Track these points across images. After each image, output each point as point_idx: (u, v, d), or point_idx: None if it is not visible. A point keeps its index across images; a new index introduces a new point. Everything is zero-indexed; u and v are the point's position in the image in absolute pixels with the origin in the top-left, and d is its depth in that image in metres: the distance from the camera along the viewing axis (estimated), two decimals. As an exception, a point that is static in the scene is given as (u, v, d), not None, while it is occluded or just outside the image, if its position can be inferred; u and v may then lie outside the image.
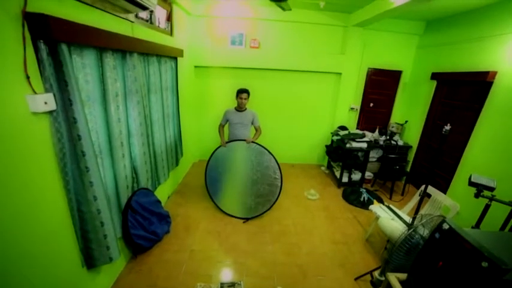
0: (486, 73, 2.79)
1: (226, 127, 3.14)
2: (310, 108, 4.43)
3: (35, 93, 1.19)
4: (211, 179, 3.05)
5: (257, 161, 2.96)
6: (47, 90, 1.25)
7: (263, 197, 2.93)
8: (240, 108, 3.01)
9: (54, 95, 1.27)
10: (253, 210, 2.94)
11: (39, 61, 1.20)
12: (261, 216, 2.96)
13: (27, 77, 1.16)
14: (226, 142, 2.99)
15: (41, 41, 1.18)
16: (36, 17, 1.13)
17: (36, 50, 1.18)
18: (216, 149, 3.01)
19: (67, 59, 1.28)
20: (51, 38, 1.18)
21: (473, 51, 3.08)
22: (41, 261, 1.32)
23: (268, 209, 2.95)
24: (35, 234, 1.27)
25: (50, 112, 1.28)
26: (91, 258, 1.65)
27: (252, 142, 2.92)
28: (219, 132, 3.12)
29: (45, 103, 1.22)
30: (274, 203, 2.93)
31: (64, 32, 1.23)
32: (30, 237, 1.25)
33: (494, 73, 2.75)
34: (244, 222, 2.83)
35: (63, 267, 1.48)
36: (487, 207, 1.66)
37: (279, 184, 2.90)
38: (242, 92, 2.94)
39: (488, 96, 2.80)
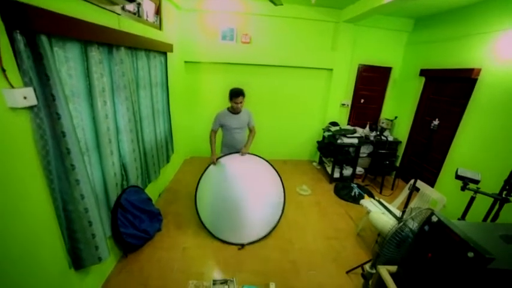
0: (471, 70, 2.87)
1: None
2: (301, 104, 4.44)
3: (13, 87, 1.13)
4: (202, 202, 2.63)
5: (257, 178, 2.66)
6: (26, 84, 1.18)
7: (262, 220, 2.59)
8: (234, 111, 2.65)
9: (35, 90, 1.21)
10: (251, 234, 2.51)
11: (16, 53, 1.13)
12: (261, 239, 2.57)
13: (3, 70, 1.09)
14: (219, 157, 2.70)
15: (17, 31, 1.11)
16: (9, 5, 1.05)
17: (12, 41, 1.11)
18: (206, 168, 2.67)
19: (48, 51, 1.21)
20: (28, 28, 1.12)
21: (460, 48, 3.16)
22: (24, 264, 1.26)
23: (267, 235, 2.57)
24: (17, 236, 1.22)
25: (31, 107, 1.22)
26: (79, 259, 1.60)
27: (248, 153, 2.69)
28: (210, 141, 2.71)
29: (25, 98, 1.15)
30: (274, 228, 2.62)
31: (43, 23, 1.17)
32: (11, 239, 1.19)
33: (479, 70, 2.83)
34: (239, 249, 2.40)
35: (49, 269, 1.43)
36: (472, 199, 1.72)
37: (281, 208, 2.64)
38: (237, 96, 2.48)
39: (473, 93, 2.88)
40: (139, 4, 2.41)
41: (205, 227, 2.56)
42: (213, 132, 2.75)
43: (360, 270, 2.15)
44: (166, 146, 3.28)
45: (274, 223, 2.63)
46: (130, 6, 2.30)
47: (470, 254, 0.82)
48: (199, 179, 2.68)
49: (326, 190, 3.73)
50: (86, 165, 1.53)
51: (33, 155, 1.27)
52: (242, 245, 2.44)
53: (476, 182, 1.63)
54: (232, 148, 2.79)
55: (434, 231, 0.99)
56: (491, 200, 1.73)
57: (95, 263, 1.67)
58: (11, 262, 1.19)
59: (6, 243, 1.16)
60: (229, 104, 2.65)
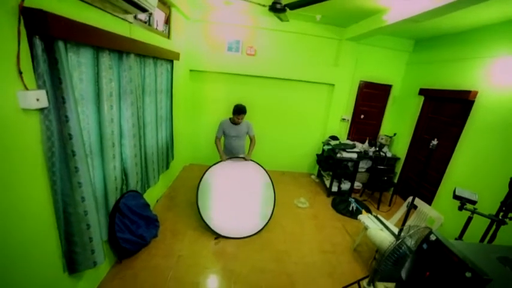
0: (468, 92, 2.96)
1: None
2: (302, 117, 4.51)
3: (27, 89, 1.16)
4: (203, 189, 2.85)
5: (252, 185, 2.97)
6: (39, 87, 1.21)
7: (248, 224, 2.82)
8: (234, 122, 2.93)
9: (47, 92, 1.24)
10: (235, 231, 2.73)
11: (34, 57, 1.17)
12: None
13: (20, 73, 1.12)
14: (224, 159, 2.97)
15: (37, 37, 1.16)
16: (33, 13, 1.11)
17: (31, 46, 1.16)
18: (215, 163, 2.92)
19: (63, 56, 1.26)
20: (48, 34, 1.16)
21: (458, 70, 3.26)
22: (20, 265, 1.25)
23: (246, 237, 2.72)
24: (16, 237, 1.21)
25: (42, 109, 1.24)
26: (74, 263, 1.58)
27: (251, 160, 2.99)
28: (216, 145, 3.00)
29: (37, 100, 1.18)
30: (256, 233, 2.79)
31: (62, 29, 1.22)
32: (9, 239, 1.18)
33: (476, 92, 2.91)
34: (215, 239, 2.64)
35: (44, 272, 1.41)
36: (470, 219, 1.73)
37: (269, 216, 2.88)
38: (239, 113, 2.79)
39: (470, 114, 2.95)
40: (150, 13, 2.50)
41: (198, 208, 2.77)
42: (217, 139, 3.02)
43: (356, 286, 2.12)
44: (167, 152, 3.29)
45: (258, 229, 2.83)
46: (142, 16, 2.39)
47: (468, 274, 0.83)
48: (204, 172, 2.89)
49: (324, 203, 3.73)
50: (89, 168, 1.54)
51: (39, 156, 1.29)
52: (218, 236, 2.67)
53: (474, 202, 1.65)
54: (230, 152, 3.07)
55: (432, 250, 1.01)
56: (488, 220, 1.74)
57: (89, 268, 1.65)
58: (8, 262, 1.18)
59: (4, 243, 1.16)
60: (231, 115, 2.90)
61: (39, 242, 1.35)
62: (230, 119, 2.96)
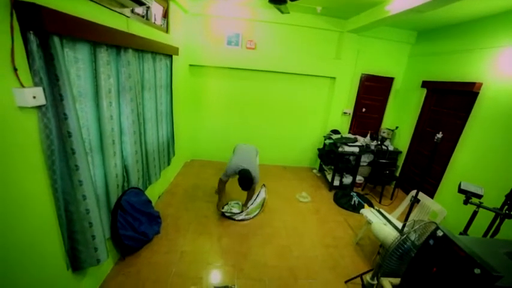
0: (472, 84, 2.90)
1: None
2: (303, 111, 4.46)
3: (23, 86, 1.13)
4: None
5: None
6: (36, 84, 1.18)
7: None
8: None
9: (44, 89, 1.21)
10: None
11: (29, 53, 1.14)
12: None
13: (15, 70, 1.09)
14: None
15: (31, 32, 1.12)
16: (26, 7, 1.07)
17: (26, 42, 1.12)
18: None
19: (59, 52, 1.22)
20: (42, 29, 1.13)
21: (461, 62, 3.20)
22: (24, 264, 1.25)
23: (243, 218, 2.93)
24: (19, 236, 1.21)
25: (39, 107, 1.22)
26: (77, 261, 1.59)
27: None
28: (219, 188, 2.95)
29: (34, 97, 1.15)
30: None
31: (57, 24, 1.18)
32: (13, 239, 1.18)
33: (480, 84, 2.86)
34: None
35: (48, 270, 1.41)
36: (475, 213, 1.72)
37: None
38: (245, 190, 2.74)
39: (474, 106, 2.91)
40: (148, 7, 2.44)
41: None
42: (221, 181, 2.89)
43: (358, 280, 2.13)
44: (168, 148, 3.27)
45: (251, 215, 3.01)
46: (139, 9, 2.33)
47: (477, 271, 0.82)
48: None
49: (325, 198, 3.72)
50: (89, 166, 1.52)
51: (38, 155, 1.27)
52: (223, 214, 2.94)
53: (479, 196, 1.64)
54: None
55: (439, 245, 0.99)
56: (491, 213, 1.73)
57: (93, 265, 1.65)
58: (11, 261, 1.18)
59: (7, 243, 1.15)
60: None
61: (41, 241, 1.34)
62: (239, 172, 2.69)
